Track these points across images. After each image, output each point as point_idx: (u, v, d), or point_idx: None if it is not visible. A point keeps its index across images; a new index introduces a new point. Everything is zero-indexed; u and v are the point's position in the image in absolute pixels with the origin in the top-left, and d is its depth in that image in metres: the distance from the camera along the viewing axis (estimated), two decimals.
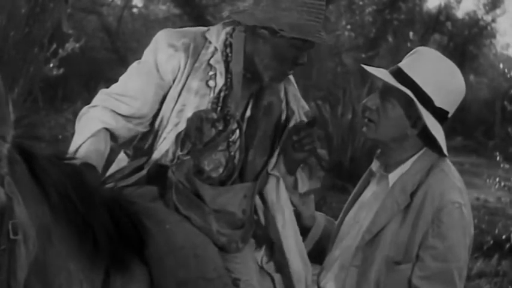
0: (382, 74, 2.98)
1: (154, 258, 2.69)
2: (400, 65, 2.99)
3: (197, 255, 2.78)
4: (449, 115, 2.99)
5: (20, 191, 2.22)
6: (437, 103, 2.94)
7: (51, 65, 9.88)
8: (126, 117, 2.98)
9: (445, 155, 2.99)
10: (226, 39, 3.02)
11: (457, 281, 2.92)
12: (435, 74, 2.95)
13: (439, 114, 2.95)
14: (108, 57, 16.37)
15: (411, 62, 2.98)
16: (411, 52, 3.05)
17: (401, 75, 2.94)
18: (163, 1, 18.62)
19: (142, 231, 2.66)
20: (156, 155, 3.00)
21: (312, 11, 2.90)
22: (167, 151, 2.98)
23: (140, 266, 2.66)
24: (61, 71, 9.96)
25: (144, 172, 2.97)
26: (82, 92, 12.25)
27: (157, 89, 2.99)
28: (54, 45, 9.77)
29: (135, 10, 19.51)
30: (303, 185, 3.18)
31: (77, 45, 10.17)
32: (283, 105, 3.14)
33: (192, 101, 2.97)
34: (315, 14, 2.91)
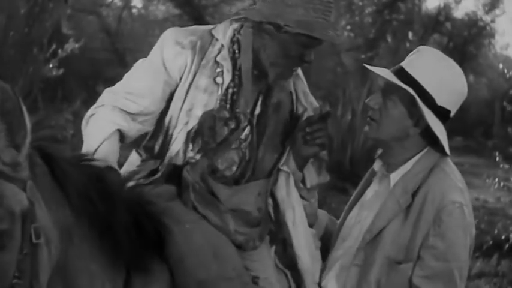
0: (384, 72, 2.99)
1: (174, 258, 2.70)
2: (402, 64, 3.00)
3: (216, 254, 2.79)
4: (452, 114, 3.00)
5: (41, 194, 2.23)
6: (439, 102, 2.94)
7: (51, 65, 9.88)
8: (134, 115, 2.98)
9: (447, 155, 3.00)
10: (233, 35, 3.02)
11: (457, 281, 2.92)
12: (437, 72, 2.96)
13: (441, 113, 2.95)
14: (108, 57, 16.35)
15: (413, 61, 2.99)
16: (413, 51, 3.05)
17: (403, 74, 2.95)
18: (162, 1, 18.61)
19: (162, 231, 2.67)
20: (169, 154, 3.00)
21: (319, 8, 2.90)
22: (179, 151, 2.98)
23: (161, 266, 2.67)
24: (60, 71, 9.96)
25: (158, 175, 2.98)
26: (81, 93, 12.24)
27: (164, 87, 3.00)
28: (54, 46, 9.77)
29: (134, 11, 19.50)
30: (311, 180, 3.17)
31: (77, 45, 10.17)
32: (293, 101, 3.14)
33: (200, 98, 2.98)
34: (321, 11, 2.90)
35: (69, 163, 2.40)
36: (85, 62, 14.40)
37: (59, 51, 9.83)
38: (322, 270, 3.16)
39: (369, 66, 3.06)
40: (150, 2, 19.37)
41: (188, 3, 16.42)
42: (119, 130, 2.96)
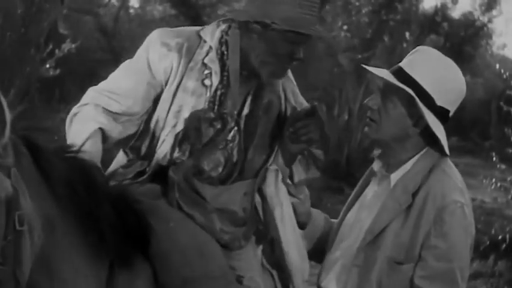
0: (384, 73, 2.98)
1: (158, 256, 2.70)
2: (401, 64, 3.00)
3: (201, 253, 2.79)
4: (451, 114, 3.00)
5: (25, 183, 2.23)
6: (439, 102, 2.94)
7: (48, 65, 9.88)
8: (116, 114, 2.97)
9: (446, 155, 3.00)
10: (221, 37, 3.01)
11: (459, 281, 2.92)
12: (436, 72, 2.96)
13: (440, 113, 2.95)
14: (105, 57, 16.34)
15: (412, 61, 2.99)
16: (412, 51, 3.05)
17: (402, 74, 2.95)
18: (159, 1, 18.59)
19: (146, 229, 2.67)
20: (157, 156, 2.99)
21: (305, 4, 2.90)
22: (166, 154, 2.98)
23: (144, 263, 2.67)
24: (57, 71, 9.96)
25: (145, 177, 2.98)
26: (78, 93, 12.22)
27: (148, 88, 2.99)
28: (51, 46, 9.78)
29: (131, 11, 19.48)
30: (299, 175, 3.16)
31: (73, 45, 10.17)
32: (283, 102, 3.13)
33: (188, 101, 2.97)
34: (307, 7, 2.90)
35: (54, 154, 2.40)
36: (82, 62, 14.39)
37: (56, 51, 9.84)
38: (321, 271, 3.15)
39: (367, 67, 3.05)
40: (147, 2, 19.35)
41: (185, 3, 16.41)
42: (101, 129, 2.94)
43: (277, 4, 2.89)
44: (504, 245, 8.49)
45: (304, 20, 2.90)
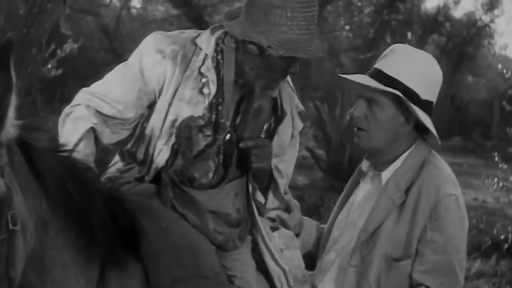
0: (365, 79, 2.98)
1: (149, 256, 2.70)
2: (379, 66, 2.99)
3: (194, 253, 2.78)
4: (433, 105, 3.02)
5: (18, 182, 2.23)
6: (423, 96, 2.97)
7: (50, 65, 9.88)
8: (107, 117, 2.95)
9: (434, 150, 3.01)
10: (217, 45, 2.99)
11: (458, 273, 2.94)
12: (416, 68, 2.98)
13: (426, 106, 2.98)
14: (106, 57, 16.36)
15: (390, 62, 2.99)
16: (386, 51, 3.05)
17: (383, 77, 2.96)
18: (161, 2, 18.62)
19: (137, 230, 2.66)
20: (155, 165, 2.98)
21: (302, 25, 2.86)
22: (167, 163, 2.96)
23: (135, 263, 2.66)
24: (59, 71, 9.96)
25: (144, 184, 2.98)
26: None
27: (140, 94, 2.96)
28: (53, 46, 9.77)
29: (133, 11, 19.51)
30: (271, 203, 3.14)
31: (75, 46, 10.17)
32: (276, 106, 3.11)
33: (185, 110, 2.94)
34: (305, 26, 2.86)
35: (47, 153, 2.39)
36: (83, 62, 14.42)
37: (58, 51, 9.84)
38: (316, 273, 3.15)
39: (346, 76, 3.06)
40: (148, 3, 19.38)
41: (187, 3, 16.42)
42: (93, 131, 2.94)
43: (274, 25, 2.85)
44: (506, 245, 8.49)
45: (301, 41, 2.86)
